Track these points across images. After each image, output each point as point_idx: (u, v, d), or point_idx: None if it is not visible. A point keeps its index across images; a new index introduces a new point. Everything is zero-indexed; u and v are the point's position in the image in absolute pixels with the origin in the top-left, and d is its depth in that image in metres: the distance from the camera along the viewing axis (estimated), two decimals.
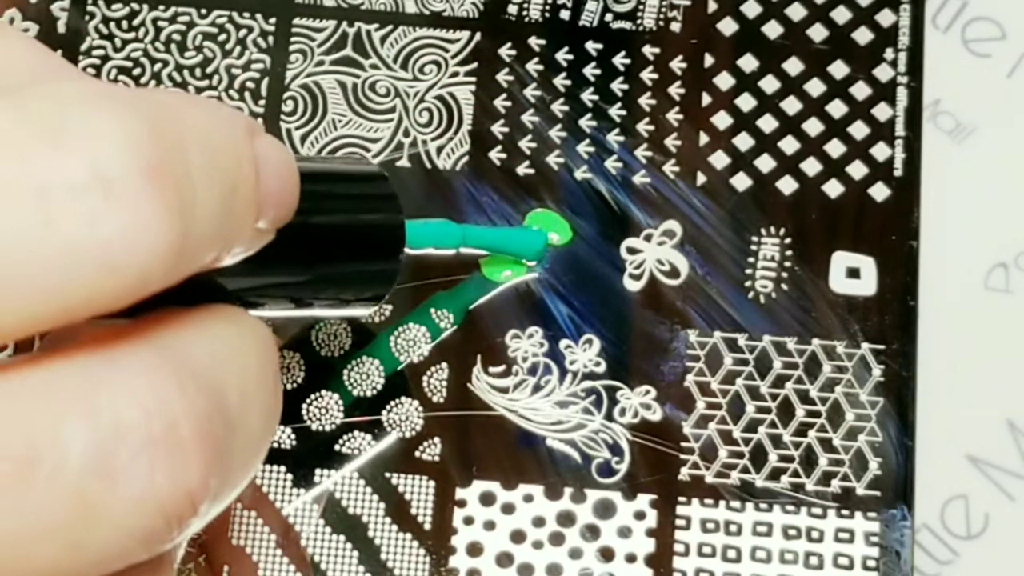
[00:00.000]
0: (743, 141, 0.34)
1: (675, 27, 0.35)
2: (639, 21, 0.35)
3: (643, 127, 0.34)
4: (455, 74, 0.35)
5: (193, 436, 0.17)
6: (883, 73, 0.35)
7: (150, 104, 0.17)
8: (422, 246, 0.30)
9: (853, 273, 0.33)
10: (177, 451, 0.17)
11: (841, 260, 0.33)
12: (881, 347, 0.33)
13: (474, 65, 0.35)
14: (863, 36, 0.35)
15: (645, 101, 0.34)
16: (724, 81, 0.35)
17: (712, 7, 0.35)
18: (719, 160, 0.34)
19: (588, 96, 0.34)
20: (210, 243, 0.17)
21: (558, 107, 0.34)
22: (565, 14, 0.35)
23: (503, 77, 0.35)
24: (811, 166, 0.34)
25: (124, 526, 0.16)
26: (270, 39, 0.35)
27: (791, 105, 0.34)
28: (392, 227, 0.25)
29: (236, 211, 0.18)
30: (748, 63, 0.35)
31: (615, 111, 0.34)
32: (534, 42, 0.35)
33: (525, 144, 0.34)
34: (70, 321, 0.16)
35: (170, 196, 0.16)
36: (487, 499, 0.32)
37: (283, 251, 0.20)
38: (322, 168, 0.24)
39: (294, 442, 0.32)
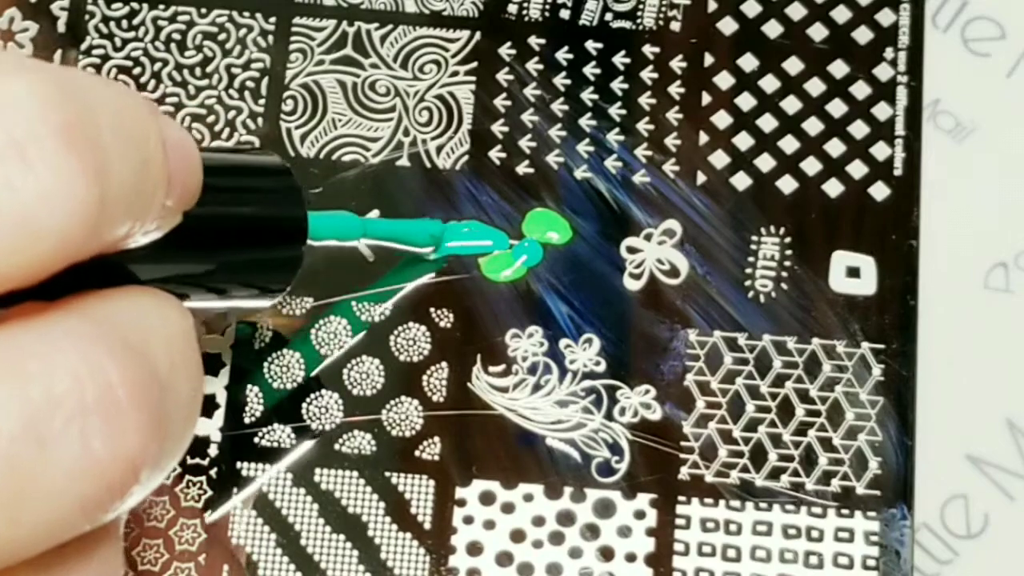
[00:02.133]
0: (743, 140, 0.34)
1: (675, 26, 0.35)
2: (639, 20, 0.35)
3: (643, 126, 0.34)
4: (455, 73, 0.35)
5: (129, 401, 0.17)
6: (883, 72, 0.35)
7: (60, 74, 0.17)
8: (324, 238, 0.31)
9: (853, 272, 0.33)
10: (114, 417, 0.16)
11: (841, 259, 0.33)
12: (881, 347, 0.33)
13: (474, 64, 0.35)
14: (863, 35, 0.35)
15: (645, 100, 0.34)
16: (724, 80, 0.35)
17: (712, 6, 0.35)
18: (719, 159, 0.34)
19: (588, 95, 0.34)
20: (125, 212, 0.17)
21: (558, 106, 0.34)
22: (565, 13, 0.35)
23: (503, 76, 0.35)
24: (811, 165, 0.34)
25: (63, 496, 0.16)
26: (270, 38, 0.35)
27: (791, 104, 0.34)
28: (294, 219, 0.26)
29: (148, 183, 0.18)
30: (748, 62, 0.35)
31: (615, 110, 0.34)
32: (534, 41, 0.35)
33: (525, 143, 0.34)
34: None
35: (86, 158, 0.16)
36: (487, 498, 0.32)
37: (187, 239, 0.21)
38: (226, 160, 0.25)
39: (294, 441, 0.32)
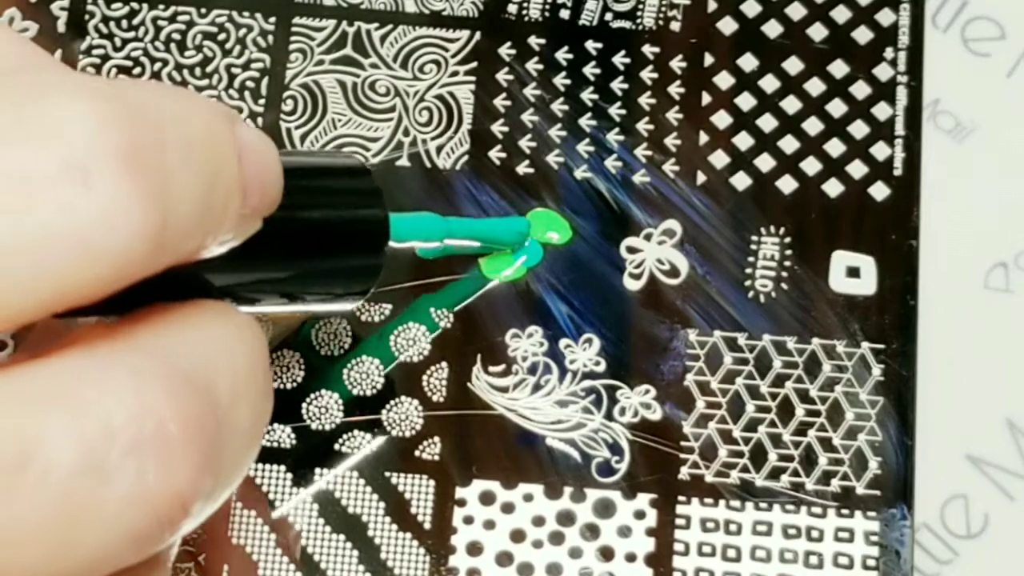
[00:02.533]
0: (743, 140, 0.34)
1: (675, 26, 0.35)
2: (639, 20, 0.35)
3: (643, 126, 0.34)
4: (455, 73, 0.35)
5: (183, 437, 0.17)
6: (883, 72, 0.35)
7: (125, 92, 0.17)
8: (407, 239, 0.30)
9: (853, 272, 0.33)
10: (167, 452, 0.16)
11: (841, 259, 0.33)
12: (881, 346, 0.33)
13: (474, 64, 0.35)
14: (863, 35, 0.35)
15: (645, 100, 0.34)
16: (724, 80, 0.35)
17: (712, 6, 0.35)
18: (719, 159, 0.34)
19: (588, 95, 0.34)
20: (193, 228, 0.17)
21: (558, 106, 0.34)
22: (565, 13, 0.35)
23: (503, 76, 0.35)
24: (811, 165, 0.34)
25: (114, 528, 0.16)
26: (270, 38, 0.35)
27: (791, 104, 0.34)
28: (376, 221, 0.25)
29: (219, 195, 0.18)
30: (748, 62, 0.35)
31: (615, 110, 0.34)
32: (534, 41, 0.35)
33: (525, 143, 0.34)
34: (53, 310, 0.16)
35: (147, 181, 0.16)
36: (487, 498, 0.32)
37: (267, 245, 0.20)
38: (305, 163, 0.24)
39: (294, 441, 0.32)
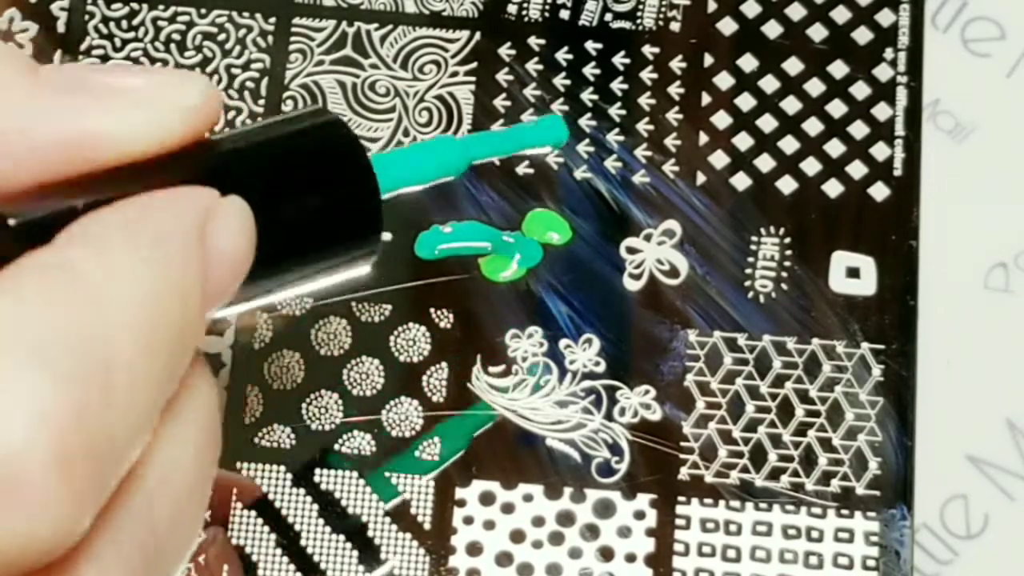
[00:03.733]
0: (743, 141, 0.34)
1: (675, 27, 0.35)
2: (639, 21, 0.35)
3: (643, 127, 0.34)
4: (455, 74, 0.35)
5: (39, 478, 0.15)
6: (883, 73, 0.35)
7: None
8: (424, 178, 0.29)
9: (853, 273, 0.33)
10: (17, 494, 0.15)
11: (841, 260, 0.33)
12: (881, 347, 0.33)
13: (474, 65, 0.35)
14: (863, 36, 0.35)
15: (645, 101, 0.34)
16: (724, 81, 0.35)
17: (712, 7, 0.35)
18: (719, 160, 0.34)
19: (588, 96, 0.34)
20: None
21: (558, 107, 0.34)
22: (565, 14, 0.35)
23: (503, 77, 0.35)
24: (811, 166, 0.34)
25: None
26: (270, 39, 0.35)
27: (791, 105, 0.34)
28: (356, 163, 0.22)
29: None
30: (748, 63, 0.35)
31: (615, 111, 0.34)
32: (534, 42, 0.35)
33: None
34: None
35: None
36: (487, 499, 0.32)
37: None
38: (263, 138, 0.21)
39: (294, 442, 0.32)
